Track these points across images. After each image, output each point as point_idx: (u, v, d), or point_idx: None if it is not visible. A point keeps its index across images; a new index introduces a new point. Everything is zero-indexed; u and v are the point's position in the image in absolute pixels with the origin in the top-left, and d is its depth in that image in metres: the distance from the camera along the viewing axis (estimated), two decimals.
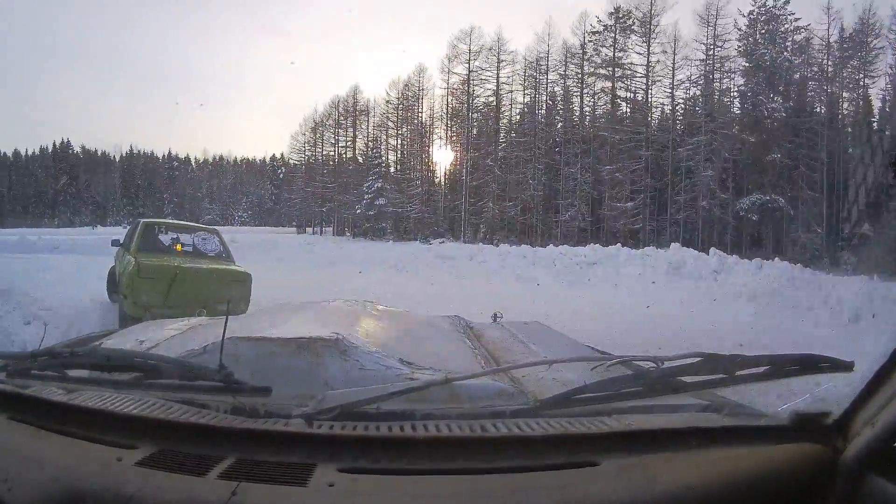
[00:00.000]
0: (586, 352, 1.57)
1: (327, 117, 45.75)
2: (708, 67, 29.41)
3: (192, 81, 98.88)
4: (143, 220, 6.73)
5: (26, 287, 6.31)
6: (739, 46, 29.07)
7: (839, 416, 0.73)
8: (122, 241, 6.71)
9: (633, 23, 30.42)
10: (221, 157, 74.43)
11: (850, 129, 27.51)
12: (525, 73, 34.02)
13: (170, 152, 72.55)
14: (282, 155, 62.43)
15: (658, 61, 30.08)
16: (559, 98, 34.25)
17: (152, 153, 73.06)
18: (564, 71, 33.10)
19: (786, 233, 26.47)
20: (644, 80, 30.71)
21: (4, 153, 72.47)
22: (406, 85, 38.70)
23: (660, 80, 30.62)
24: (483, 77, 34.62)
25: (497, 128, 34.83)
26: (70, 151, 72.64)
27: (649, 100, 31.12)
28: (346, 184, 41.26)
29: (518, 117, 35.27)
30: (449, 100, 36.33)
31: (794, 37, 28.85)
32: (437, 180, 38.51)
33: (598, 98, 32.60)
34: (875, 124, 27.07)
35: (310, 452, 0.71)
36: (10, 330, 4.61)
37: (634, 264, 12.31)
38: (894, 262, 12.99)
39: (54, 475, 0.67)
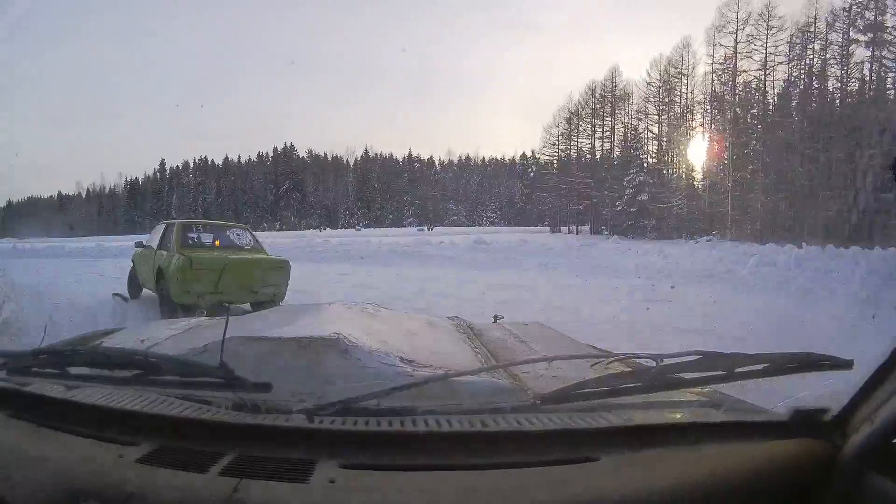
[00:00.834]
0: (586, 350, 1.57)
1: (583, 106, 41.67)
2: None
3: (436, 82, 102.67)
4: (177, 221, 7.13)
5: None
6: None
7: (838, 412, 0.74)
8: (144, 244, 7.31)
9: None
10: (468, 158, 73.77)
11: None
12: (791, 42, 28.67)
13: (410, 154, 72.67)
14: (532, 153, 60.96)
15: None
16: (823, 70, 28.09)
17: (391, 155, 73.26)
18: (826, 41, 27.15)
19: None
20: None
21: (212, 160, 74.51)
22: (668, 62, 34.35)
23: None
24: (750, 50, 29.24)
25: (766, 108, 29.57)
26: (294, 156, 73.44)
27: None
28: (602, 178, 37.20)
29: (779, 96, 29.92)
30: (713, 78, 31.11)
31: None
32: (698, 171, 33.12)
33: (856, 69, 26.72)
34: None
35: (311, 448, 0.71)
36: None
37: None
38: None
39: (55, 472, 0.67)
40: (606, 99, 40.54)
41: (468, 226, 58.60)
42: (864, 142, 22.87)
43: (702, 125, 33.56)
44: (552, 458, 0.70)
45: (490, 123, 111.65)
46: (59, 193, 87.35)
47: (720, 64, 30.74)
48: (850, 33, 26.01)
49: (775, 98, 30.34)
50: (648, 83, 36.45)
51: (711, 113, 32.58)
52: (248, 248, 6.98)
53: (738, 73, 29.63)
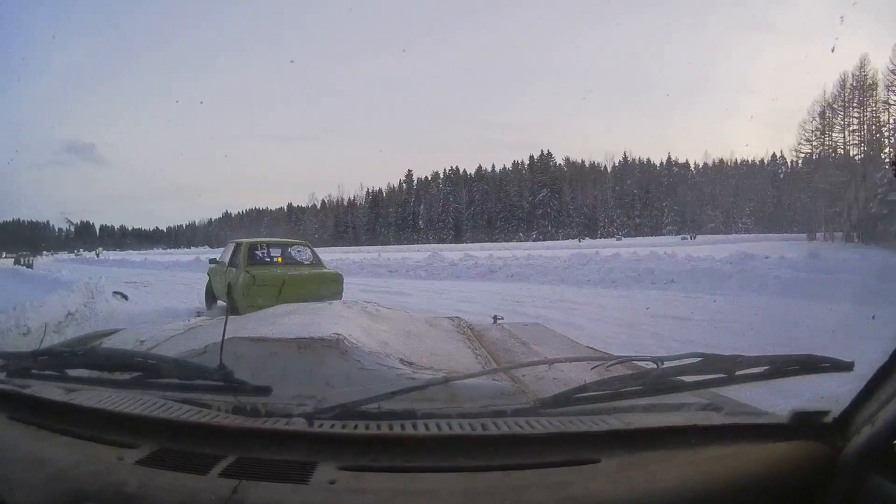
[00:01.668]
0: (587, 353, 1.57)
1: (835, 98, 37.57)
2: None
3: (690, 84, 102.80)
4: (244, 241, 7.96)
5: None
6: None
7: (839, 414, 0.74)
8: (218, 260, 8.46)
9: None
10: (721, 161, 70.38)
11: None
12: None
13: (669, 158, 70.41)
14: (781, 153, 58.17)
15: None
16: None
17: (648, 160, 71.29)
18: None
19: None
20: None
21: (464, 170, 76.34)
22: None
23: None
24: None
25: None
26: (552, 163, 72.78)
27: None
28: (851, 178, 31.70)
29: None
30: None
31: None
32: None
33: None
34: None
35: (311, 451, 0.71)
36: None
37: None
38: None
39: (55, 474, 0.67)
40: (855, 90, 37.26)
41: (723, 234, 54.28)
42: None
43: None
44: (552, 460, 0.69)
45: (739, 125, 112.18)
46: (289, 205, 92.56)
47: None
48: None
49: None
50: (892, 70, 32.71)
51: None
52: (308, 263, 7.83)
53: None
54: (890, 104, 34.37)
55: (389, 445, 0.73)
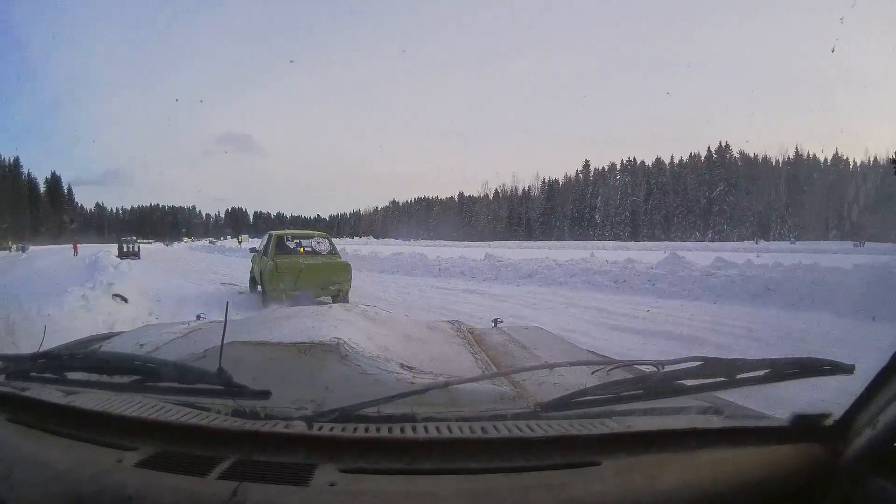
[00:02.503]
0: (587, 357, 1.56)
1: None
2: None
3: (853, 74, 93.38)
4: (274, 233, 9.29)
5: None
6: None
7: (839, 417, 0.74)
8: (257, 249, 9.83)
9: None
10: (875, 158, 63.36)
11: None
12: None
13: (836, 153, 64.04)
14: None
15: None
16: None
17: (814, 156, 65.26)
18: None
19: None
20: None
21: (642, 161, 72.43)
22: None
23: None
24: None
25: None
26: (728, 156, 67.54)
27: None
28: None
29: None
30: None
31: None
32: None
33: None
34: None
35: (310, 453, 0.71)
36: None
37: None
38: None
39: (54, 476, 0.67)
40: None
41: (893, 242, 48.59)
42: None
43: None
44: (553, 462, 0.69)
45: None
46: (460, 194, 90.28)
47: None
48: None
49: None
50: None
51: None
52: (325, 253, 9.00)
53: None
54: None
55: (390, 448, 0.73)
